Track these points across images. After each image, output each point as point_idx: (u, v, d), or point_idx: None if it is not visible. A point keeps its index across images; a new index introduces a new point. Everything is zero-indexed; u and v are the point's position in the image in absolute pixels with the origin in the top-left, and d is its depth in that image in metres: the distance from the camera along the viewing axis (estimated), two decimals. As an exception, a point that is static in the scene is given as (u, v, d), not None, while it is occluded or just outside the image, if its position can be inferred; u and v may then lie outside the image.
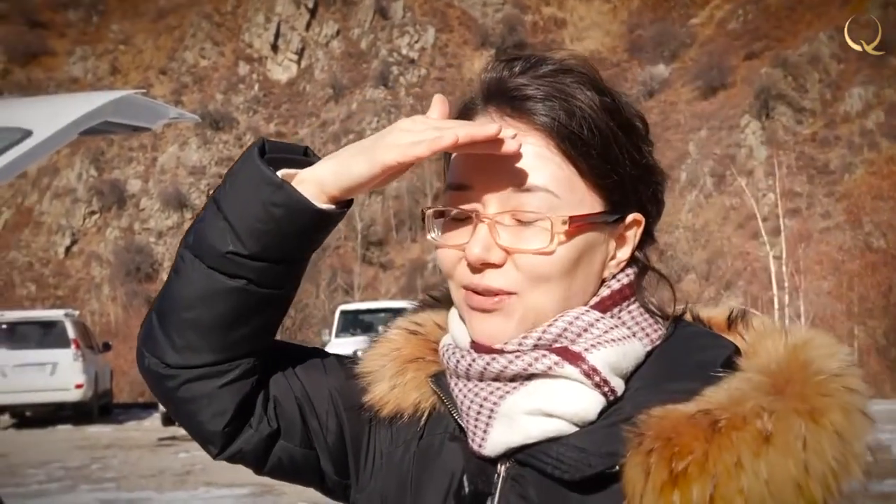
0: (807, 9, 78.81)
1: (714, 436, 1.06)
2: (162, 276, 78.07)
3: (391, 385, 1.34)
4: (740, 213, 61.50)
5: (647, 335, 1.22)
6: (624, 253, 1.24)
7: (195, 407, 1.35)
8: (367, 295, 60.90)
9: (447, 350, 1.26)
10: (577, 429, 1.16)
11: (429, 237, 1.27)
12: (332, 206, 1.27)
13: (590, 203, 1.19)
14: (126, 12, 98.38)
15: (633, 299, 1.23)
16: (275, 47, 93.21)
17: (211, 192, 1.35)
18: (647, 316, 1.23)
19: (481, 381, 1.21)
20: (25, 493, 12.95)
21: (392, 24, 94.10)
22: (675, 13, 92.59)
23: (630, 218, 1.23)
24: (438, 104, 1.24)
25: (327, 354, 1.49)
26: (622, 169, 1.21)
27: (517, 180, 1.17)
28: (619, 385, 1.17)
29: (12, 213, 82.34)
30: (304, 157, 1.37)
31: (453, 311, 1.28)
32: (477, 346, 1.21)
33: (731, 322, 1.27)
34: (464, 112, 1.26)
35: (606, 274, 1.23)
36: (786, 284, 35.07)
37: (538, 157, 1.18)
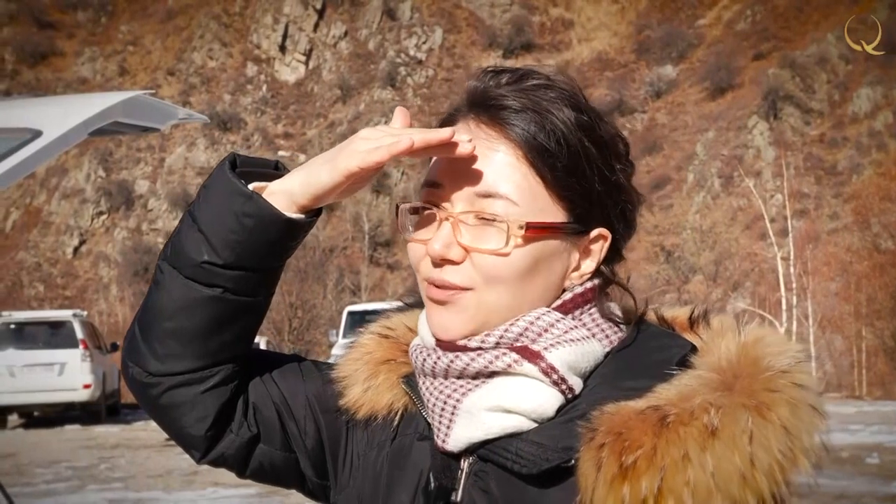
0: (814, 10, 78.70)
1: (662, 430, 1.10)
2: (170, 276, 78.22)
3: (364, 388, 1.39)
4: (748, 214, 61.43)
5: (607, 336, 1.26)
6: (588, 265, 1.28)
7: (178, 413, 1.40)
8: (375, 296, 60.91)
9: (415, 350, 1.32)
10: (535, 425, 1.21)
11: (402, 231, 1.33)
12: (301, 216, 1.33)
13: (552, 213, 1.24)
14: (134, 13, 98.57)
15: (594, 303, 1.28)
16: (283, 48, 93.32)
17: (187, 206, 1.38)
18: (606, 318, 1.28)
19: (446, 378, 1.25)
20: (33, 492, 12.98)
21: (400, 24, 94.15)
22: (682, 14, 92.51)
23: (595, 232, 1.27)
24: (400, 115, 1.32)
25: (304, 360, 1.54)
26: (588, 184, 1.25)
27: (482, 185, 1.23)
28: (576, 383, 1.22)
29: (21, 214, 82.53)
30: (274, 171, 1.42)
31: (423, 314, 1.33)
32: (441, 344, 1.26)
33: (692, 322, 1.32)
34: (449, 118, 1.34)
35: (567, 284, 1.28)
36: (793, 285, 35.00)
37: (506, 165, 1.23)
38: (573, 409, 1.21)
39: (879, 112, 67.25)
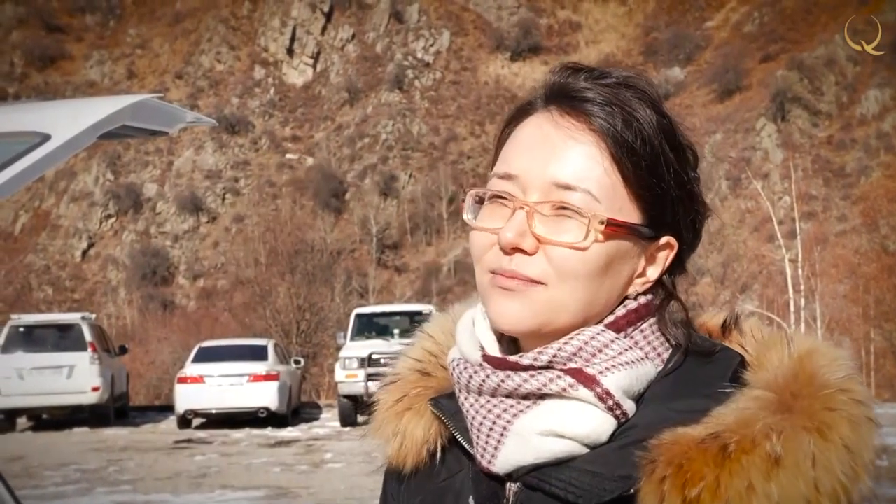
0: (822, 11, 78.62)
1: (724, 461, 1.07)
2: (178, 279, 78.37)
3: (398, 439, 1.34)
4: (756, 217, 61.38)
5: (659, 355, 1.22)
6: (653, 273, 1.24)
7: None
8: (382, 298, 60.95)
9: (458, 365, 1.26)
10: (586, 450, 1.16)
11: (464, 217, 1.26)
12: None
13: (628, 212, 1.20)
14: (143, 17, 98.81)
15: (647, 320, 1.23)
16: (290, 51, 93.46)
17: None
18: (658, 335, 1.23)
19: (494, 396, 1.21)
20: (42, 495, 13.01)
21: (407, 27, 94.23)
22: (690, 16, 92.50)
23: (664, 239, 1.23)
24: None
25: None
26: (665, 187, 1.21)
27: (562, 176, 1.18)
28: (630, 408, 1.18)
29: (29, 217, 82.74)
30: None
31: (459, 326, 1.29)
32: (489, 360, 1.21)
33: (725, 329, 1.28)
34: (519, 113, 1.27)
35: (631, 290, 1.23)
36: (801, 288, 34.94)
37: (587, 157, 1.19)
38: (626, 434, 1.16)
39: (888, 114, 67.15)
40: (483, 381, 1.20)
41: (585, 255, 1.17)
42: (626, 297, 1.23)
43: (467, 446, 1.24)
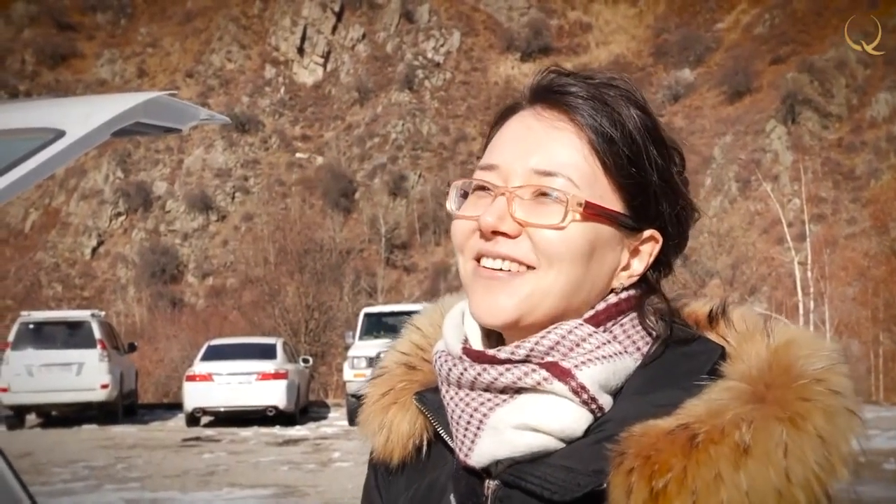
0: (833, 14, 78.42)
1: (692, 451, 1.06)
2: (187, 277, 78.47)
3: (384, 433, 1.35)
4: (765, 219, 61.26)
5: (638, 349, 1.22)
6: (637, 266, 1.25)
7: None
8: (391, 298, 60.97)
9: (440, 357, 1.27)
10: (562, 445, 1.17)
11: (448, 207, 1.28)
12: None
13: (610, 201, 1.21)
14: (154, 15, 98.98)
15: (628, 314, 1.24)
16: (301, 50, 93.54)
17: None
18: (639, 328, 1.23)
19: (472, 390, 1.21)
20: (51, 491, 13.04)
21: (417, 27, 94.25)
22: (700, 18, 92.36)
23: (648, 232, 1.24)
24: None
25: None
26: (647, 178, 1.22)
27: (542, 163, 1.20)
28: (606, 402, 1.18)
29: (40, 214, 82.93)
30: None
31: (448, 318, 1.30)
32: (469, 353, 1.22)
33: (711, 318, 1.27)
34: (505, 113, 1.29)
35: (616, 283, 1.24)
36: (811, 290, 34.87)
37: (567, 146, 1.20)
38: (602, 428, 1.16)
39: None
40: (461, 373, 1.21)
41: (567, 237, 1.18)
42: (612, 291, 1.24)
43: (448, 441, 1.25)
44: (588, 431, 1.17)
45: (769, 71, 78.80)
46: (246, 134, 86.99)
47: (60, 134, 2.05)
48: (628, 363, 1.20)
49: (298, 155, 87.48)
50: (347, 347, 22.87)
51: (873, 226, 46.39)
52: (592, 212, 1.19)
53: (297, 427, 21.68)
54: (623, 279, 1.24)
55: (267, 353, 22.93)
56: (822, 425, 1.07)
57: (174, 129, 2.37)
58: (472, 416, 1.21)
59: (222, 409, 21.79)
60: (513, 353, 1.19)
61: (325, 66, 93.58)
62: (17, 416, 22.05)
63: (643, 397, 1.16)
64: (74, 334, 22.46)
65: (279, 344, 23.94)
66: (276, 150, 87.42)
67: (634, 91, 1.25)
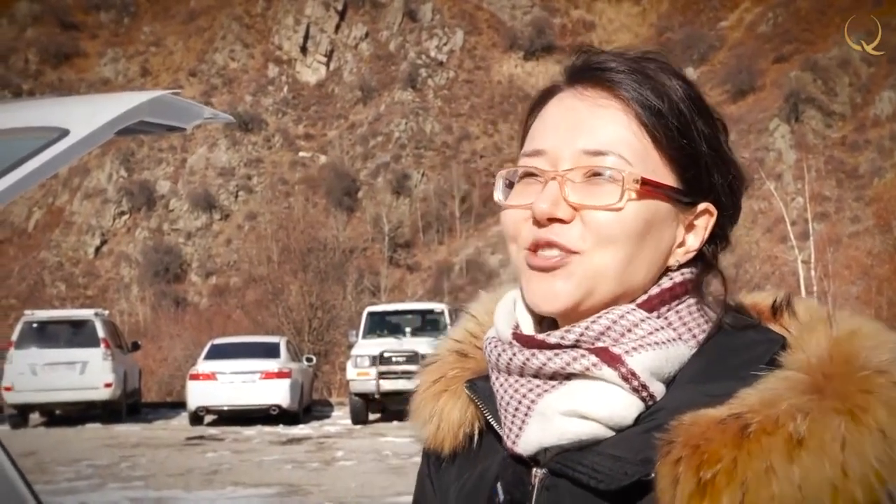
0: (837, 12, 78.35)
1: (743, 441, 1.02)
2: (190, 276, 78.51)
3: (434, 421, 1.32)
4: (769, 217, 61.21)
5: (694, 336, 1.18)
6: (693, 241, 1.21)
7: None
8: (394, 296, 60.98)
9: (490, 343, 1.24)
10: (611, 433, 1.13)
11: (495, 198, 1.25)
12: None
13: (663, 175, 1.17)
14: (157, 14, 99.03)
15: (683, 298, 1.20)
16: (304, 49, 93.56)
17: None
18: (696, 315, 1.19)
19: (521, 376, 1.18)
20: (55, 490, 13.05)
21: (421, 26, 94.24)
22: (704, 16, 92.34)
23: (702, 205, 1.20)
24: None
25: None
26: (698, 148, 1.19)
27: (591, 143, 1.16)
28: (658, 390, 1.14)
29: (43, 213, 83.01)
30: None
31: (500, 304, 1.27)
32: (518, 338, 1.19)
33: (775, 309, 1.23)
34: (542, 98, 1.25)
35: (672, 261, 1.20)
36: (814, 289, 34.84)
37: (615, 122, 1.17)
38: (653, 416, 1.13)
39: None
40: (510, 359, 1.18)
41: (623, 217, 1.14)
42: (668, 269, 1.20)
43: (498, 429, 1.22)
44: (638, 420, 1.13)
45: (772, 69, 78.77)
46: (249, 133, 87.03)
47: (64, 133, 2.05)
48: (682, 351, 1.16)
49: (302, 154, 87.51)
50: (351, 346, 22.87)
51: (877, 224, 46.32)
52: (649, 188, 1.15)
53: (301, 426, 21.69)
54: (679, 256, 1.20)
55: (270, 352, 22.94)
56: (884, 419, 1.02)
57: (178, 128, 2.37)
58: (520, 402, 1.18)
59: (226, 408, 21.80)
60: (562, 338, 1.15)
61: (328, 64, 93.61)
62: (20, 414, 22.07)
63: (697, 387, 1.13)
64: (78, 333, 22.47)
65: (283, 343, 23.95)
66: (279, 149, 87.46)
67: (672, 64, 1.23)
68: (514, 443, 1.18)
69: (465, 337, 1.36)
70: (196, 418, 21.87)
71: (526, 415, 1.17)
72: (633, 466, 1.09)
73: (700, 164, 1.19)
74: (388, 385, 20.94)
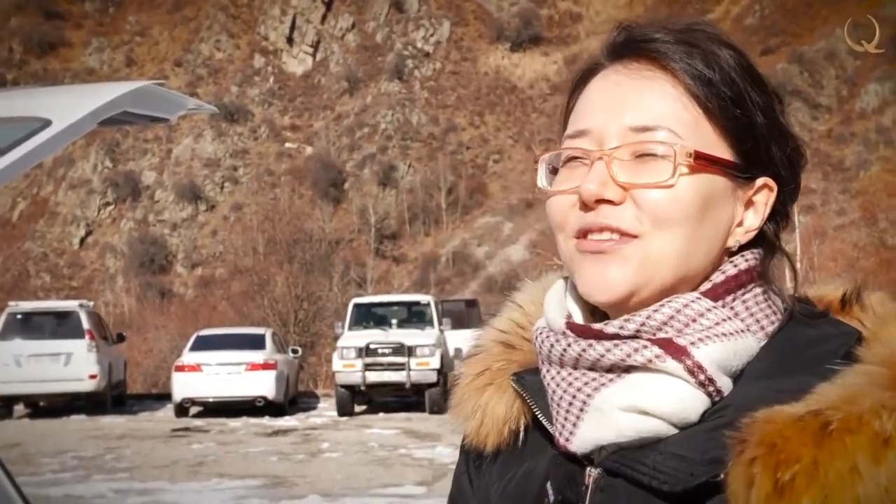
0: (823, 5, 78.56)
1: (825, 440, 0.95)
2: (176, 267, 78.35)
3: (478, 416, 1.23)
4: (755, 210, 61.42)
5: (763, 328, 1.11)
6: (753, 220, 1.13)
7: None
8: (380, 288, 60.98)
9: (541, 334, 1.15)
10: (674, 430, 1.06)
11: (539, 185, 1.17)
12: None
13: (716, 148, 1.09)
14: (142, 4, 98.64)
15: (750, 286, 1.12)
16: (290, 40, 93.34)
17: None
18: (763, 305, 1.12)
19: (575, 368, 1.11)
20: (39, 482, 13.02)
21: (407, 17, 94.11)
22: (690, 8, 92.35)
23: (761, 180, 1.12)
24: None
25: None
26: (753, 118, 1.11)
27: (638, 118, 1.09)
28: (725, 384, 1.06)
29: (28, 204, 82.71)
30: None
31: (549, 294, 1.19)
32: (572, 327, 1.11)
33: (845, 302, 1.15)
34: (583, 77, 1.18)
35: (732, 242, 1.12)
36: (800, 281, 34.95)
37: (664, 95, 1.10)
38: (720, 413, 1.05)
39: (888, 108, 67.19)
40: (564, 350, 1.11)
41: (677, 195, 1.07)
42: (728, 250, 1.13)
43: (548, 425, 1.15)
44: (704, 417, 1.06)
45: (759, 62, 75.62)
46: (235, 124, 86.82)
47: (47, 123, 2.03)
48: (750, 343, 1.08)
49: (288, 145, 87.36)
50: (337, 338, 22.87)
51: (862, 217, 46.63)
52: (703, 162, 1.07)
53: (287, 417, 21.69)
54: (739, 236, 1.13)
55: (256, 343, 22.93)
56: None
57: (162, 119, 2.35)
58: (574, 396, 1.10)
59: (211, 400, 21.79)
60: (621, 328, 1.08)
61: (314, 55, 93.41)
62: (5, 406, 22.02)
63: (768, 382, 1.06)
64: (63, 324, 22.42)
65: (268, 334, 23.93)
66: (265, 140, 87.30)
67: (721, 33, 1.15)
68: (567, 440, 1.11)
69: (511, 327, 1.27)
70: (181, 410, 21.85)
71: (581, 410, 1.09)
72: (701, 467, 1.01)
73: (756, 136, 1.11)
74: (374, 377, 20.96)
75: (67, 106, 2.07)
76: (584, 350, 1.09)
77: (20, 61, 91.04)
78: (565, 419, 1.11)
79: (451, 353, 22.90)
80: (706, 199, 1.08)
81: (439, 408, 21.03)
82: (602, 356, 1.07)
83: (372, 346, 21.06)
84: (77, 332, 22.14)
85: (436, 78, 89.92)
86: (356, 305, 23.58)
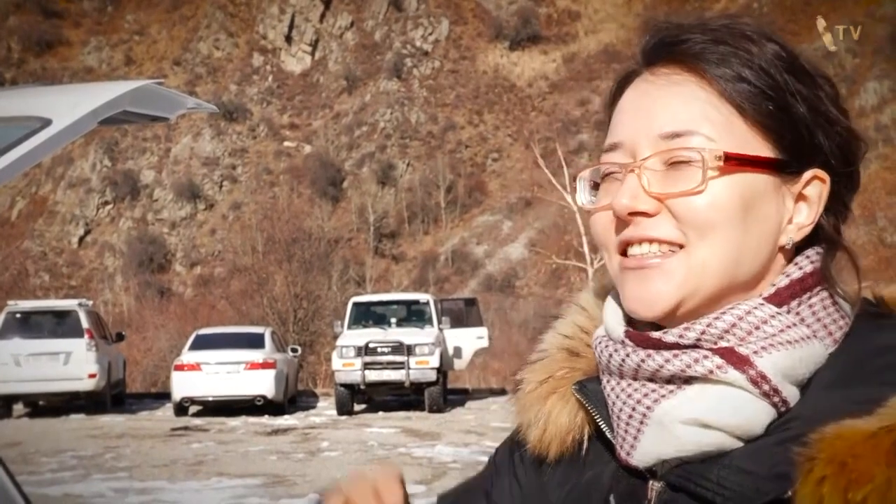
0: (822, 2, 78.58)
1: None
2: (175, 266, 78.35)
3: (541, 424, 1.20)
4: (754, 208, 61.47)
5: (830, 334, 1.05)
6: (805, 215, 1.08)
7: None
8: (379, 287, 60.97)
9: (600, 343, 1.12)
10: (738, 444, 1.01)
11: (579, 202, 1.15)
12: None
13: (755, 146, 1.06)
14: (141, 3, 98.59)
15: (816, 290, 1.07)
16: (289, 39, 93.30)
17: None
18: (831, 310, 1.06)
19: (635, 379, 1.07)
20: (39, 481, 13.02)
21: (406, 16, 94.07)
22: (690, 6, 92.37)
23: (809, 173, 1.07)
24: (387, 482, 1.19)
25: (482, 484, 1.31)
26: (793, 109, 1.07)
27: (668, 125, 1.06)
28: (791, 394, 1.02)
29: (26, 203, 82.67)
30: None
31: (609, 299, 1.15)
32: (632, 336, 1.08)
33: None
34: (620, 85, 1.15)
35: (785, 240, 1.07)
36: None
37: (691, 98, 1.07)
38: (787, 426, 1.00)
39: (886, 106, 67.23)
40: (623, 360, 1.07)
41: (713, 200, 1.03)
42: (782, 249, 1.08)
43: (610, 436, 1.11)
44: (770, 429, 1.01)
45: None
46: (233, 122, 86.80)
47: (47, 122, 2.03)
48: (818, 350, 1.04)
49: (286, 143, 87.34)
50: (336, 337, 22.88)
51: (861, 215, 46.54)
52: (734, 163, 1.04)
53: (286, 416, 21.69)
54: (792, 233, 1.08)
55: (255, 342, 22.93)
56: None
57: (161, 118, 2.36)
58: (634, 409, 1.06)
59: (210, 399, 21.79)
60: (681, 337, 1.04)
61: (312, 54, 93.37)
62: (4, 405, 22.03)
63: (838, 392, 1.00)
64: (62, 323, 22.43)
65: (267, 333, 23.93)
66: (263, 139, 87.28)
67: (757, 24, 1.12)
68: (628, 454, 1.07)
69: (575, 332, 1.23)
70: (181, 409, 21.85)
71: (641, 423, 1.06)
72: (767, 483, 0.97)
73: (798, 128, 1.07)
74: (374, 375, 20.96)
75: (67, 105, 2.07)
76: (643, 360, 1.05)
77: (19, 60, 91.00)
78: (626, 432, 1.08)
79: (451, 351, 22.91)
80: (746, 199, 1.04)
81: (438, 406, 21.05)
82: (661, 367, 1.04)
83: (371, 345, 21.07)
84: (76, 332, 22.14)
85: (434, 76, 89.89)
86: (355, 304, 23.59)
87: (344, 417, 21.03)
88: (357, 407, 21.98)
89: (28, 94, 2.24)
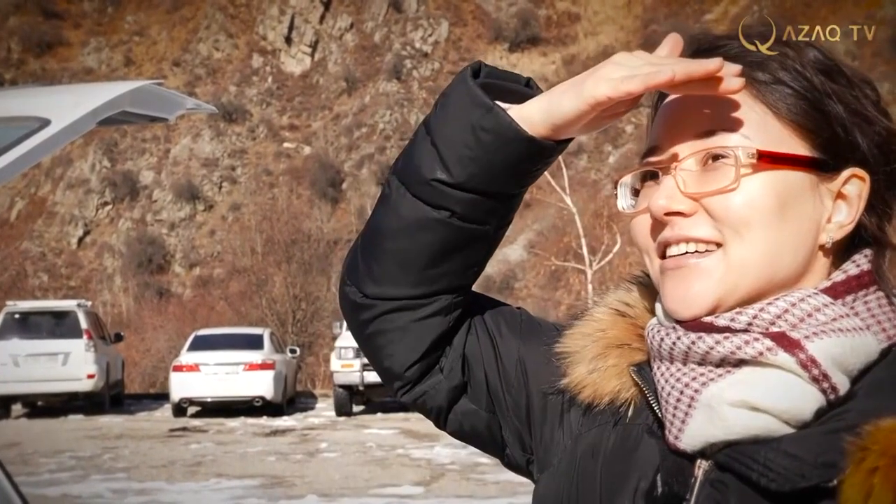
0: (822, 4, 78.70)
1: None
2: (174, 267, 78.32)
3: (591, 368, 1.20)
4: (753, 210, 61.54)
5: (885, 330, 1.05)
6: (844, 214, 1.09)
7: (386, 340, 1.30)
8: (379, 288, 60.93)
9: (652, 329, 1.14)
10: (786, 429, 1.02)
11: (619, 207, 1.16)
12: (546, 139, 1.15)
13: (790, 144, 1.07)
14: (141, 3, 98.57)
15: (872, 289, 1.07)
16: (288, 40, 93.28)
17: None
18: (886, 309, 1.07)
19: (685, 364, 1.08)
20: (37, 482, 13.02)
21: (406, 17, 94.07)
22: (689, 8, 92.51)
23: (847, 171, 1.08)
24: (670, 42, 1.11)
25: (524, 313, 1.35)
26: (828, 107, 1.08)
27: (702, 124, 1.08)
28: (841, 382, 1.02)
29: (25, 204, 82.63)
30: (525, 88, 1.24)
31: (659, 297, 1.16)
32: (683, 322, 1.09)
33: None
34: (661, 95, 1.17)
35: (825, 238, 1.08)
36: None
37: (726, 99, 1.07)
38: (839, 416, 1.00)
39: (888, 108, 67.33)
40: (674, 343, 1.08)
41: (749, 198, 1.04)
42: (821, 248, 1.09)
43: (660, 416, 1.12)
44: (821, 416, 1.02)
45: None
46: (233, 123, 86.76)
47: (46, 122, 2.03)
48: (870, 342, 1.03)
49: (286, 145, 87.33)
50: (335, 338, 22.87)
51: (860, 217, 46.60)
52: (769, 160, 1.05)
53: (285, 417, 21.69)
54: (832, 232, 1.08)
55: (254, 343, 22.93)
56: None
57: (161, 119, 2.36)
58: (682, 392, 1.07)
59: (209, 400, 21.79)
60: (732, 321, 1.05)
61: (312, 55, 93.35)
62: (3, 406, 22.04)
63: (893, 388, 1.01)
64: (61, 324, 22.44)
65: (266, 334, 23.93)
66: (263, 140, 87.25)
67: (797, 37, 1.14)
68: (676, 437, 1.08)
69: (623, 308, 1.25)
70: (179, 410, 21.85)
71: (689, 406, 1.06)
72: (813, 469, 0.97)
73: (833, 126, 1.08)
74: (373, 377, 20.95)
75: (66, 105, 2.07)
76: (693, 342, 1.06)
77: (18, 61, 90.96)
78: (674, 416, 1.08)
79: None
80: (782, 197, 1.05)
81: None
82: (711, 348, 1.04)
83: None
84: (75, 332, 22.15)
85: (434, 78, 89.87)
86: (354, 305, 23.58)
87: (342, 418, 21.02)
88: (356, 408, 21.97)
89: (27, 94, 2.24)
